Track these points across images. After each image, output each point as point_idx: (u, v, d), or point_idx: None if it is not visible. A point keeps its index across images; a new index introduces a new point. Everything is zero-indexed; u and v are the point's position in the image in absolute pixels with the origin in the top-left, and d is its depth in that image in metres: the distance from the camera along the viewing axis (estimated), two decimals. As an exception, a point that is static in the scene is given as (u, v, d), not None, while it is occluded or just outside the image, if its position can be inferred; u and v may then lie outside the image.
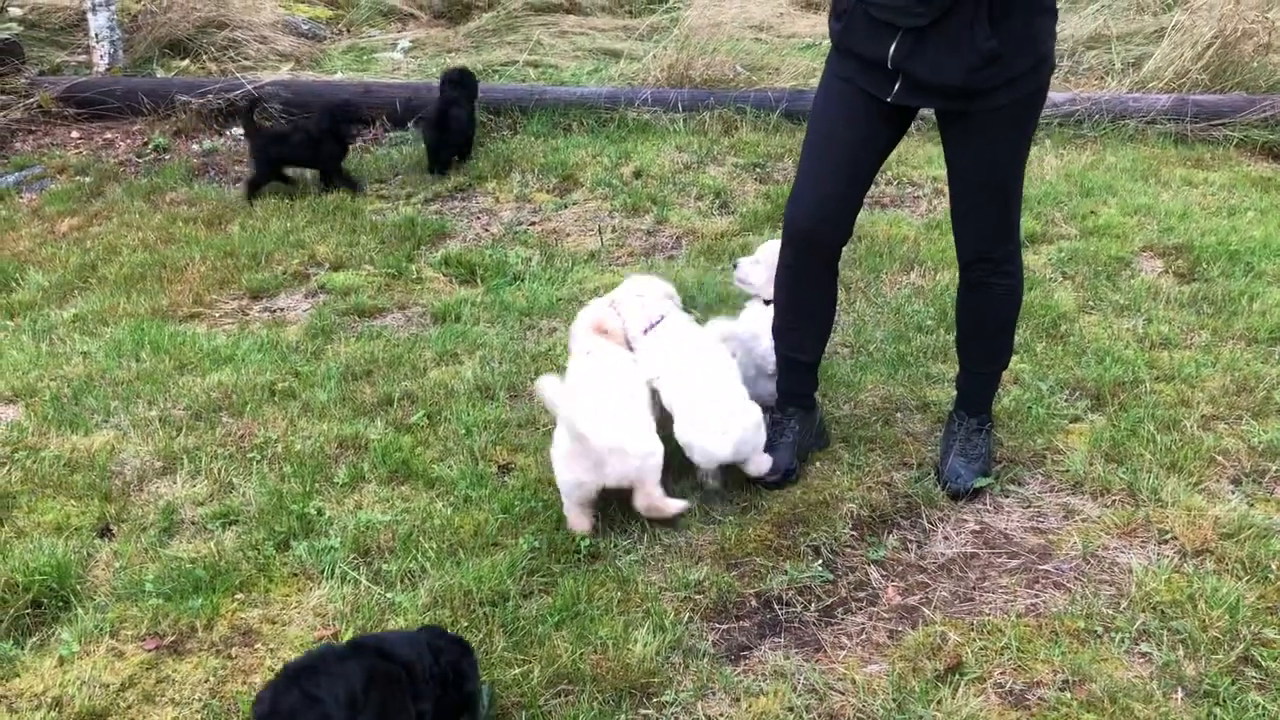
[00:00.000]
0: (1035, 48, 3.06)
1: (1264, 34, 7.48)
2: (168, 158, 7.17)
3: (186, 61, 8.57)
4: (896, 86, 3.15)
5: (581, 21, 10.08)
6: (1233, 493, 3.44)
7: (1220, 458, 3.60)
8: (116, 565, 3.24)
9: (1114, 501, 3.43)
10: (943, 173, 3.34)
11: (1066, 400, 3.97)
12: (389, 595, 3.06)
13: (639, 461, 3.22)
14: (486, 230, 5.92)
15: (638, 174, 6.48)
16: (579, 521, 3.31)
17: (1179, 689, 2.67)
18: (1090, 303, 4.76)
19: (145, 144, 7.35)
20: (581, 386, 3.36)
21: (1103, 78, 7.95)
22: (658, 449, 3.27)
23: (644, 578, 3.13)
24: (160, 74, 8.34)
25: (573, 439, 3.20)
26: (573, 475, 3.24)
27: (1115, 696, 2.64)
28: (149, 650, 2.90)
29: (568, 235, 5.81)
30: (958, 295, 3.56)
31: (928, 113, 3.40)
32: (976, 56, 2.99)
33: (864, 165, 3.37)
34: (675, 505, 3.33)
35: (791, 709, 2.66)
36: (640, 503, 3.29)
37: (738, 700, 2.71)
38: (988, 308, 3.49)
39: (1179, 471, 3.52)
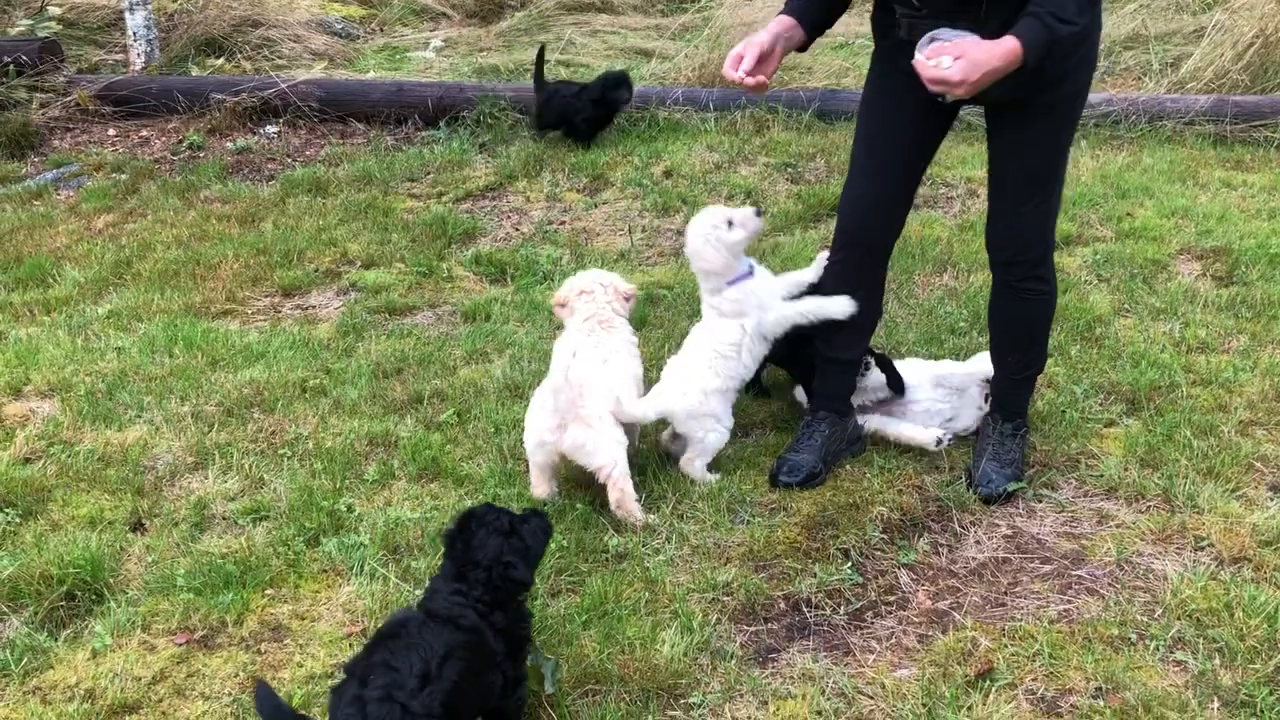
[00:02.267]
0: (1080, 47, 3.04)
1: (1306, 34, 7.36)
2: (202, 156, 7.23)
3: (221, 60, 8.64)
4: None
5: (613, 20, 10.08)
6: (1271, 500, 3.39)
7: (1258, 464, 3.55)
8: (148, 559, 3.27)
9: (1149, 507, 3.38)
10: (976, 173, 3.32)
11: (1101, 404, 3.92)
12: (418, 592, 3.05)
13: (596, 435, 3.32)
14: (517, 229, 5.93)
15: (668, 173, 6.47)
16: (537, 486, 3.45)
17: (1215, 698, 2.63)
18: (1126, 306, 4.70)
19: (180, 142, 7.41)
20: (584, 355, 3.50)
21: (1140, 78, 7.85)
22: (620, 439, 3.38)
23: (672, 578, 3.12)
24: (195, 72, 8.41)
25: (553, 393, 3.36)
26: (535, 434, 3.40)
27: (1149, 705, 2.60)
28: (180, 644, 2.92)
29: (598, 234, 5.81)
30: (990, 300, 3.53)
31: (965, 114, 3.37)
32: (1022, 72, 2.95)
33: (908, 162, 3.37)
34: (644, 516, 3.36)
35: (820, 713, 2.64)
36: (612, 498, 3.34)
37: (765, 703, 2.69)
38: (1020, 313, 3.46)
39: (1216, 478, 3.47)
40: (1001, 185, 3.32)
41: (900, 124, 3.31)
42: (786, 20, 3.30)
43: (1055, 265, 3.45)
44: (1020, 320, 3.47)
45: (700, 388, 3.57)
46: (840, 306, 3.52)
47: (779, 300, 3.63)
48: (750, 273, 3.65)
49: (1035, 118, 3.13)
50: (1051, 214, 3.33)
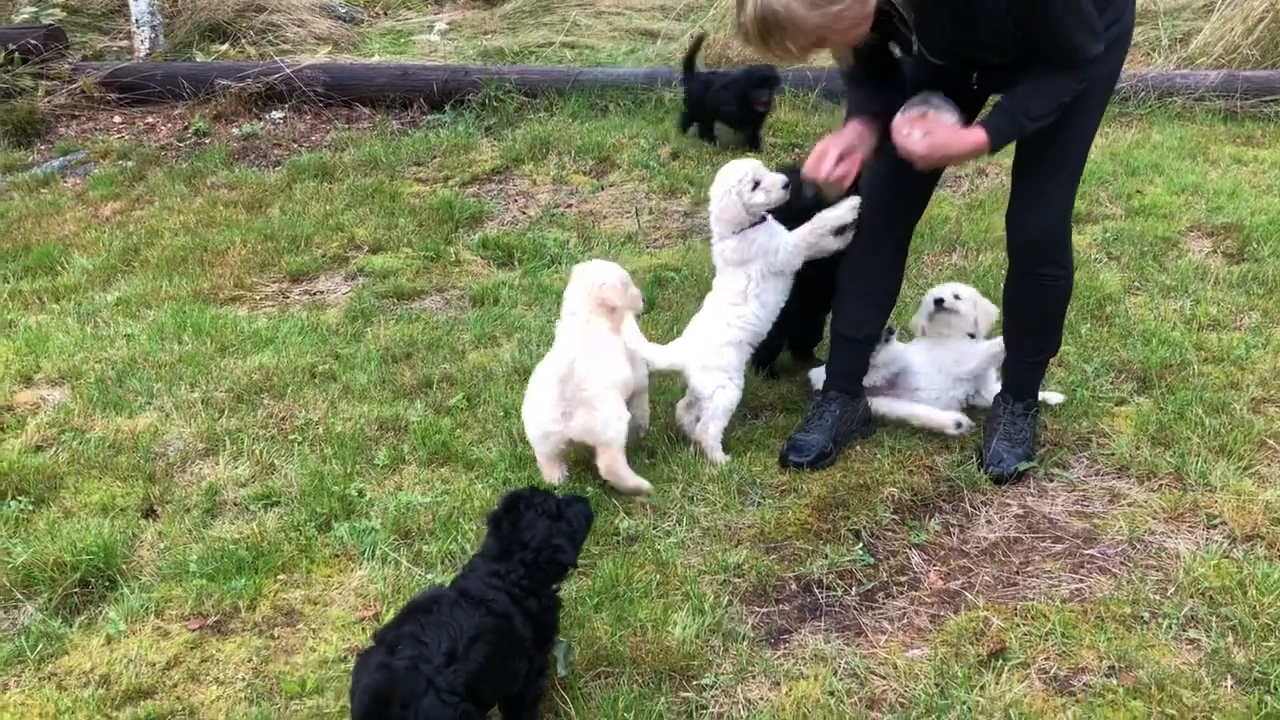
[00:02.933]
0: (1108, 30, 3.01)
1: (1317, 8, 7.31)
2: (208, 142, 7.23)
3: (226, 45, 8.62)
4: (975, 74, 3.18)
5: (618, 1, 10.02)
6: (1284, 477, 3.37)
7: (1271, 441, 3.53)
8: (161, 546, 3.28)
9: (1161, 486, 3.37)
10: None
11: (1112, 383, 3.91)
12: (429, 577, 3.07)
13: (601, 414, 3.33)
14: (524, 213, 5.91)
15: (675, 155, 6.45)
16: (548, 472, 3.45)
17: (1229, 676, 2.63)
18: (1136, 284, 4.68)
19: (186, 128, 7.41)
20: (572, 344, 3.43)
21: (1149, 54, 7.79)
22: (623, 415, 3.38)
23: (683, 561, 3.12)
24: (200, 58, 8.40)
25: (557, 383, 3.31)
26: (539, 426, 3.40)
27: (1163, 683, 2.59)
28: (193, 630, 2.93)
29: (605, 217, 5.79)
30: (1005, 284, 3.50)
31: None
32: None
33: None
34: (632, 480, 3.37)
35: (832, 693, 2.64)
36: (601, 463, 3.36)
37: (778, 684, 2.69)
38: (1037, 300, 3.43)
39: (1228, 455, 3.45)
40: (1028, 168, 3.29)
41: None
42: (857, 126, 3.28)
43: (1072, 254, 3.42)
44: (1037, 307, 3.45)
45: (715, 340, 3.61)
46: (847, 207, 3.49)
47: (784, 234, 3.62)
48: (760, 222, 3.64)
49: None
50: (1073, 197, 3.31)
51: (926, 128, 3.07)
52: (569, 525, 2.59)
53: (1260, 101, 6.82)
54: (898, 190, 3.40)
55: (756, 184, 3.57)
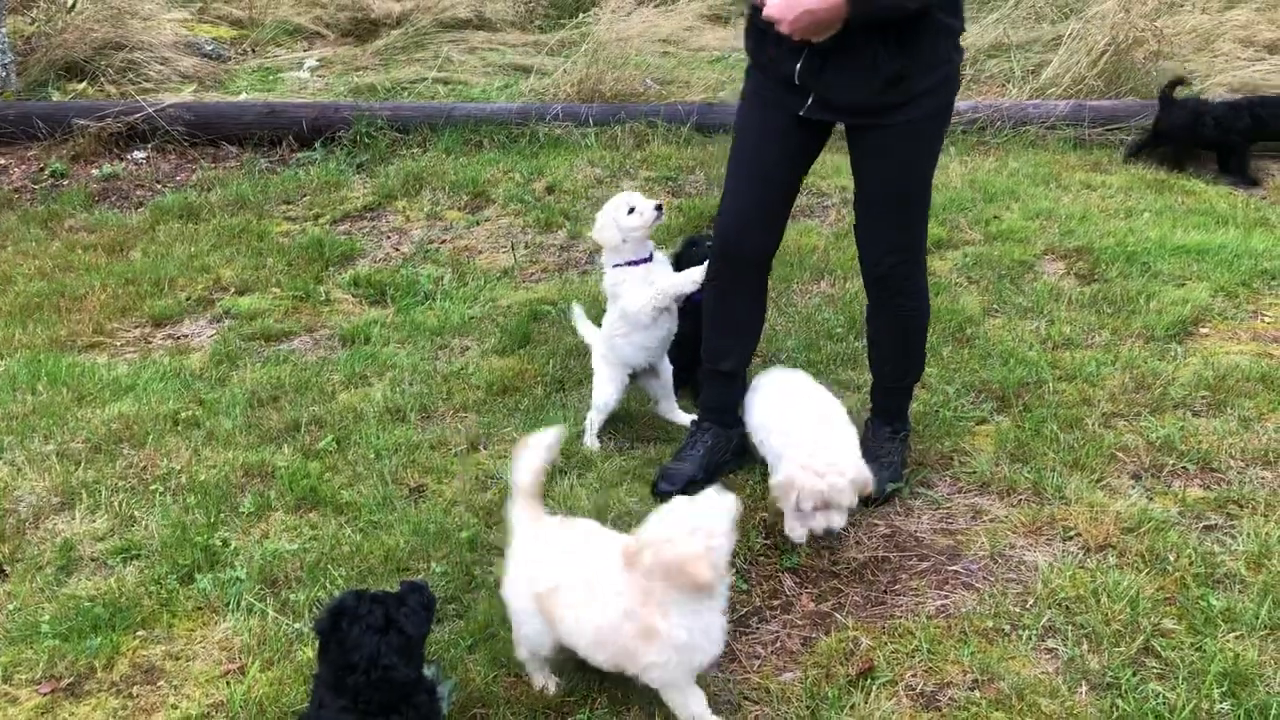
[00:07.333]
0: (941, 66, 3.13)
1: (1153, 41, 7.74)
2: (66, 184, 6.97)
3: (84, 84, 8.34)
4: (809, 101, 3.19)
5: (491, 37, 10.04)
6: (1133, 488, 3.52)
7: (1120, 454, 3.69)
8: (10, 607, 3.12)
9: (1020, 500, 3.49)
10: (850, 182, 3.38)
11: (973, 403, 4.04)
12: (297, 625, 2.99)
13: None
14: (397, 249, 5.85)
15: (550, 189, 6.46)
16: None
17: (1084, 682, 2.72)
18: (995, 306, 4.85)
19: (41, 170, 7.13)
20: None
21: (1004, 85, 8.13)
22: None
23: (558, 596, 3.09)
24: (56, 97, 8.10)
25: None
26: None
27: (1023, 693, 2.68)
28: (44, 694, 2.80)
29: (480, 252, 5.77)
30: (865, 314, 3.60)
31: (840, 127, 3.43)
32: (879, 79, 3.06)
33: (783, 177, 3.42)
34: None
35: (707, 722, 2.65)
36: None
37: (653, 716, 2.69)
38: (894, 328, 3.54)
39: (1081, 469, 3.59)
40: (864, 203, 3.38)
41: (771, 141, 3.35)
42: None
43: (928, 271, 3.53)
44: (893, 335, 3.55)
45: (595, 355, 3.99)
46: (691, 278, 3.70)
47: (642, 288, 3.79)
48: (639, 261, 3.81)
49: (894, 139, 3.19)
50: (917, 235, 3.38)
51: None
52: (400, 633, 2.31)
53: (1106, 129, 7.18)
54: (748, 227, 3.44)
55: (631, 209, 3.75)
